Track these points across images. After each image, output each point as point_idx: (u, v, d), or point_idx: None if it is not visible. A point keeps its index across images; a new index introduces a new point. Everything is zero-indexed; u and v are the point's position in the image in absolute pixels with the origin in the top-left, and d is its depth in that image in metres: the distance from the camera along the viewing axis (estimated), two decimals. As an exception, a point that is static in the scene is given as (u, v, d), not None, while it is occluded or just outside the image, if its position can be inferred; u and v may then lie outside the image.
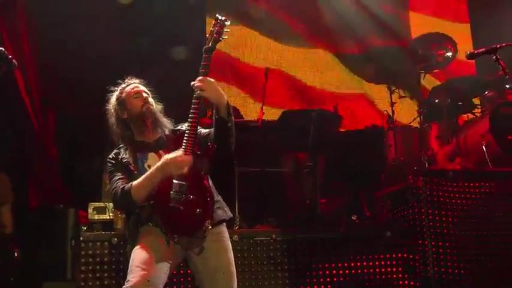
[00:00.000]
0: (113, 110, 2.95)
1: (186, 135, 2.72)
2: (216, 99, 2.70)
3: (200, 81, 2.71)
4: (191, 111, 2.74)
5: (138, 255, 2.65)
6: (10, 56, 2.45)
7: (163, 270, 2.66)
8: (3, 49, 2.45)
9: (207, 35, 2.81)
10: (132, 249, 2.72)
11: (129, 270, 2.63)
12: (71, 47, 5.61)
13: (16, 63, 2.50)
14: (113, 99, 2.97)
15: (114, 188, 2.78)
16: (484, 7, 7.18)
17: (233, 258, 2.80)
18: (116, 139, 2.95)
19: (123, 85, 3.00)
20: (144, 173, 2.76)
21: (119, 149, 2.94)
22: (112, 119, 2.94)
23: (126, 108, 2.92)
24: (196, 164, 2.69)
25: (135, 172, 2.81)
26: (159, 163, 2.70)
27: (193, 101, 2.74)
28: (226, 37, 2.81)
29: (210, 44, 2.79)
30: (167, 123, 2.95)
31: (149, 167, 2.80)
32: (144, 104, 2.90)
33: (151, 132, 2.93)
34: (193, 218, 2.64)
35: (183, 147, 2.69)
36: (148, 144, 2.91)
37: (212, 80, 2.73)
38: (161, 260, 2.66)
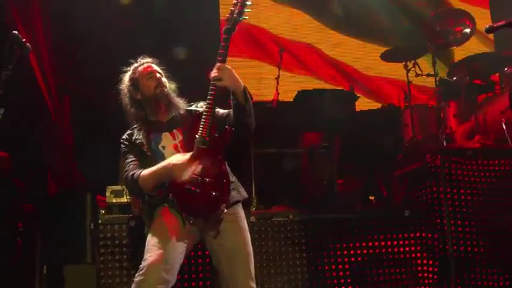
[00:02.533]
0: (126, 90, 2.93)
1: (203, 116, 2.70)
2: (233, 87, 2.68)
3: (217, 70, 2.68)
4: (209, 92, 2.72)
5: (154, 235, 2.67)
6: (24, 40, 2.45)
7: (180, 250, 2.67)
8: (16, 32, 2.44)
9: (227, 15, 2.76)
10: (149, 230, 2.74)
11: (145, 249, 2.64)
12: (85, 29, 5.60)
13: (30, 46, 2.49)
14: (126, 79, 2.95)
15: (126, 171, 2.79)
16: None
17: (249, 238, 2.80)
18: (130, 119, 2.94)
19: (136, 64, 2.98)
20: (157, 155, 2.79)
21: (133, 129, 2.93)
22: (125, 100, 2.93)
23: (139, 89, 2.90)
24: (213, 147, 2.68)
25: (148, 153, 2.81)
26: (165, 163, 2.69)
27: (210, 87, 2.72)
28: (247, 17, 2.76)
29: (230, 25, 2.74)
30: (181, 104, 2.93)
31: (163, 148, 2.82)
32: (158, 86, 2.88)
33: (165, 113, 2.91)
34: (209, 201, 2.64)
35: (201, 128, 2.68)
36: (162, 124, 2.90)
37: (229, 67, 2.70)
38: (177, 240, 2.67)
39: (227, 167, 2.80)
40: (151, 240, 2.66)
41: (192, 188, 2.62)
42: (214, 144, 2.68)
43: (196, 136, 2.68)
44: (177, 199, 2.67)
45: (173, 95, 2.92)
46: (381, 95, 6.96)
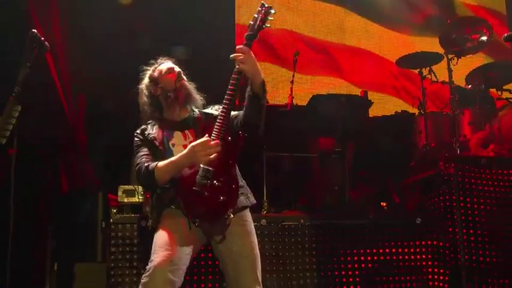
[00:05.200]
0: (145, 88, 2.96)
1: (219, 119, 2.69)
2: (254, 75, 2.62)
3: (241, 51, 2.61)
4: (228, 92, 2.68)
5: (161, 236, 2.67)
6: (42, 38, 2.47)
7: (186, 251, 2.66)
8: (35, 31, 2.47)
9: (250, 22, 2.70)
10: (155, 228, 2.74)
11: (152, 250, 2.64)
12: (101, 28, 5.64)
13: (48, 45, 2.51)
14: (146, 78, 2.99)
15: (139, 163, 2.78)
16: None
17: (256, 242, 2.79)
18: (144, 118, 2.96)
19: (156, 64, 3.02)
20: (168, 151, 2.78)
21: (147, 124, 2.94)
22: (143, 98, 2.95)
23: (158, 85, 2.93)
24: (225, 151, 2.66)
25: (160, 148, 2.82)
26: (186, 150, 2.66)
27: (231, 80, 2.67)
28: (269, 25, 2.71)
29: (252, 32, 2.68)
30: (199, 101, 2.95)
31: (173, 145, 2.82)
32: (178, 79, 2.92)
33: (181, 110, 2.93)
34: (217, 205, 2.63)
35: (214, 131, 2.67)
36: (176, 122, 2.91)
37: (252, 54, 2.63)
38: (184, 241, 2.66)
39: (237, 172, 2.79)
40: (157, 241, 2.65)
41: (201, 191, 2.60)
42: (226, 148, 2.66)
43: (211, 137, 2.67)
44: (184, 201, 2.66)
45: (193, 90, 2.95)
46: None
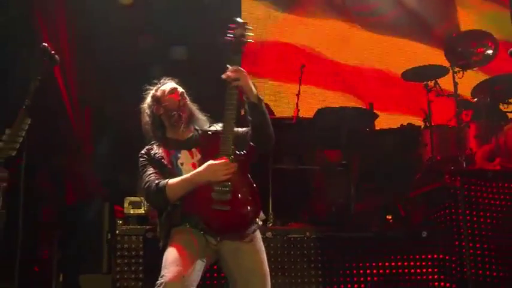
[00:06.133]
0: (147, 108, 2.97)
1: (224, 136, 2.69)
2: (248, 88, 2.70)
3: (234, 71, 2.69)
4: (228, 107, 2.71)
5: (172, 252, 2.65)
6: (53, 52, 2.51)
7: (197, 268, 2.65)
8: (46, 44, 2.50)
9: (228, 35, 2.74)
10: (165, 245, 2.73)
11: (163, 265, 2.62)
12: (108, 41, 5.70)
13: (58, 59, 2.55)
14: (149, 97, 3.01)
15: (148, 182, 2.76)
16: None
17: (266, 259, 2.79)
18: (148, 137, 2.98)
19: (159, 84, 3.03)
20: (177, 169, 2.79)
21: (152, 145, 2.94)
22: (146, 118, 2.97)
23: (161, 104, 2.94)
24: (238, 165, 2.67)
25: (169, 166, 2.81)
26: (202, 168, 2.67)
27: (228, 97, 2.70)
28: (252, 41, 2.76)
29: (235, 48, 2.74)
30: (203, 121, 2.98)
31: (182, 164, 2.82)
32: (181, 99, 2.93)
33: (184, 129, 2.93)
34: (244, 216, 2.65)
35: (223, 149, 2.67)
36: (181, 141, 2.92)
37: (242, 69, 2.71)
38: (195, 258, 2.65)
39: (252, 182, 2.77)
40: (169, 257, 2.64)
41: (222, 206, 2.61)
42: (238, 161, 2.67)
43: (220, 154, 2.67)
44: (204, 219, 2.65)
45: (196, 110, 2.98)
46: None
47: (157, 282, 2.56)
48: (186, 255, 2.63)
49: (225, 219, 2.63)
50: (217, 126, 2.93)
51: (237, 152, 2.70)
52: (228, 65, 2.72)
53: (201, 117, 2.99)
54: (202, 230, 2.68)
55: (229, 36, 2.74)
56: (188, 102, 2.96)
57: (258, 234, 2.83)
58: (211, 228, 2.66)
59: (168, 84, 3.01)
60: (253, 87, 2.72)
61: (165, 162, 2.83)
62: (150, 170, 2.82)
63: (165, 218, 2.80)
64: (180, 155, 2.86)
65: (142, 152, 2.93)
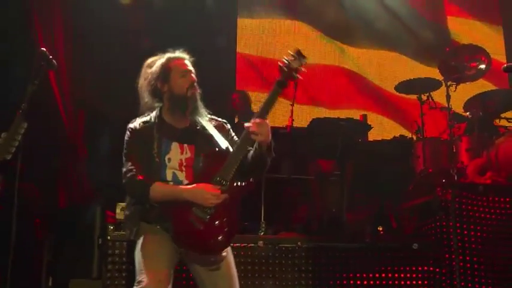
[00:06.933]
0: (152, 78, 2.72)
1: (229, 162, 2.56)
2: (265, 144, 2.59)
3: (257, 125, 2.54)
4: (240, 147, 2.59)
5: (147, 254, 2.58)
6: (51, 57, 2.51)
7: (171, 269, 2.61)
8: (44, 49, 2.51)
9: (282, 65, 2.56)
10: (133, 238, 2.65)
11: (138, 268, 2.56)
12: (103, 43, 5.69)
13: (56, 64, 2.55)
14: (157, 65, 2.74)
15: (132, 174, 2.58)
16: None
17: (233, 261, 2.74)
18: (142, 107, 2.77)
19: (171, 55, 2.76)
20: (162, 165, 2.63)
21: (149, 122, 2.70)
22: (145, 84, 2.74)
23: (168, 82, 2.71)
24: (230, 196, 2.57)
25: (157, 160, 2.62)
26: (193, 189, 2.54)
27: (242, 140, 2.59)
28: (300, 77, 2.58)
29: (283, 79, 2.57)
30: (204, 113, 2.78)
31: (169, 160, 2.64)
32: (190, 87, 2.70)
33: (184, 118, 2.75)
34: (213, 243, 2.56)
35: (221, 174, 2.55)
36: (175, 130, 2.72)
37: (268, 123, 2.57)
38: (168, 259, 2.59)
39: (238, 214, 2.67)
40: (144, 260, 2.56)
41: (197, 223, 2.53)
42: (231, 190, 2.58)
43: (217, 178, 2.56)
44: (175, 229, 2.55)
45: (200, 103, 2.76)
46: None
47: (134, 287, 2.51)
48: (160, 258, 2.57)
49: (193, 235, 2.53)
50: (217, 123, 2.82)
51: (235, 183, 2.59)
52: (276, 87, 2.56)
53: (203, 110, 2.79)
54: (171, 236, 2.57)
55: (284, 64, 2.56)
56: (197, 92, 2.73)
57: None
58: (178, 239, 2.56)
59: (182, 61, 2.73)
60: (269, 139, 2.58)
61: (154, 154, 2.62)
62: (136, 156, 2.62)
63: (138, 211, 2.66)
64: (170, 148, 2.67)
65: (136, 126, 2.70)
